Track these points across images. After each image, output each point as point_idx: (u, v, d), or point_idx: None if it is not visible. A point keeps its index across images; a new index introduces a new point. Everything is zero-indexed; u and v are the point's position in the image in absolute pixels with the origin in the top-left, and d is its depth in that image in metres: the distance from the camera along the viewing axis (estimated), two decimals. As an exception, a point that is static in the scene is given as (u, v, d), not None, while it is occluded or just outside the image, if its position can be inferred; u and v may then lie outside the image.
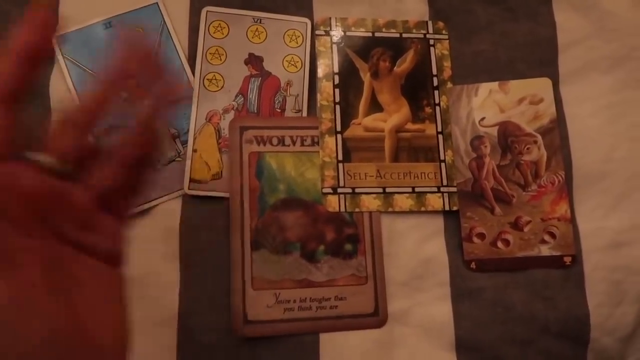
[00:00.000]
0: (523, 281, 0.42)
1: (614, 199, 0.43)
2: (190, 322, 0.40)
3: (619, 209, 0.43)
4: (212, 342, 0.40)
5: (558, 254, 0.42)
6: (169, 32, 0.44)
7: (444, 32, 0.46)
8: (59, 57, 0.43)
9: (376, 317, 0.40)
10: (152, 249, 0.41)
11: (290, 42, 0.45)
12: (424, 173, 0.43)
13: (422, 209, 0.42)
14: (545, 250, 0.42)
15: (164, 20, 0.44)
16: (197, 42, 0.43)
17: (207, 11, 0.44)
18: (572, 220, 0.42)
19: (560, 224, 0.42)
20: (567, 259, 0.42)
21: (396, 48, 0.45)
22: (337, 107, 0.43)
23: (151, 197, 0.41)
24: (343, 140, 0.43)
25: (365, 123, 0.44)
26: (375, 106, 0.44)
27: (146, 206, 0.41)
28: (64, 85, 0.42)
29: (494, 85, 0.45)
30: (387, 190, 0.42)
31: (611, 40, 0.45)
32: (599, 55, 0.45)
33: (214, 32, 0.44)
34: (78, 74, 0.43)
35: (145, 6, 0.44)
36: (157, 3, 0.44)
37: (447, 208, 0.43)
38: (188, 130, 0.42)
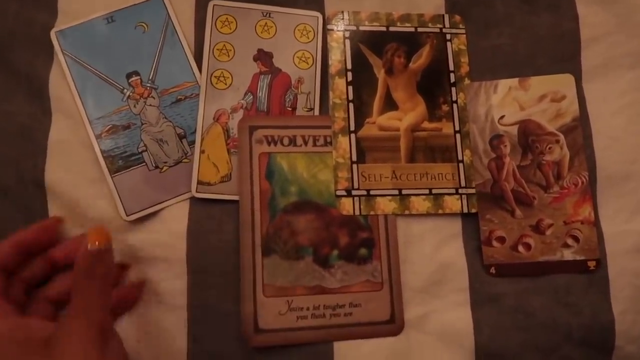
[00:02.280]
0: (545, 287, 0.40)
1: (640, 200, 0.41)
2: (200, 329, 0.38)
3: (645, 211, 0.41)
4: (223, 350, 0.38)
5: (581, 258, 0.40)
6: (174, 27, 0.42)
7: (461, 26, 0.44)
8: (59, 54, 0.41)
9: (392, 325, 0.39)
10: (159, 253, 0.39)
11: (301, 37, 0.43)
12: (441, 174, 0.41)
13: (440, 211, 0.41)
14: (568, 255, 0.40)
15: (169, 15, 0.42)
16: (204, 38, 0.41)
17: (214, 5, 0.42)
18: (596, 223, 0.41)
19: (583, 227, 0.40)
20: (591, 264, 0.40)
21: (411, 43, 0.43)
22: (351, 105, 0.42)
23: (158, 200, 0.39)
24: (357, 140, 0.41)
25: (379, 122, 0.42)
26: (390, 104, 0.42)
27: (152, 210, 0.39)
28: (64, 83, 0.41)
29: (514, 81, 0.43)
30: (403, 192, 0.41)
31: (636, 34, 0.43)
32: (623, 50, 0.43)
33: (221, 27, 0.42)
34: (79, 72, 0.41)
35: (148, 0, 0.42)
36: (161, -4, 0.42)
37: (465, 210, 0.41)
38: (195, 129, 0.40)
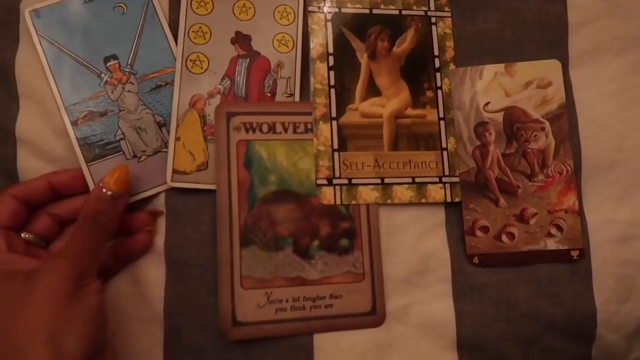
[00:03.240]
0: (528, 277, 0.40)
1: (625, 189, 0.41)
2: (177, 322, 0.37)
3: (630, 200, 0.40)
4: (201, 343, 0.37)
5: (565, 247, 0.40)
6: (154, 8, 0.40)
7: (446, 9, 0.43)
8: (33, 35, 0.38)
9: (373, 316, 0.38)
10: (135, 244, 0.38)
11: (280, 19, 0.41)
12: (425, 162, 0.40)
13: (423, 200, 0.40)
14: (551, 244, 0.40)
15: (147, -5, 0.40)
16: (179, 20, 0.40)
17: (190, -16, 0.40)
18: (580, 213, 0.40)
19: (567, 216, 0.40)
20: (575, 253, 0.40)
21: (395, 26, 0.42)
22: (332, 90, 0.40)
23: (136, 190, 0.38)
24: (338, 127, 0.40)
25: (362, 108, 0.40)
26: (372, 90, 0.41)
27: (130, 200, 0.38)
28: (32, 67, 0.38)
29: (500, 67, 0.41)
30: (386, 181, 0.40)
31: (625, 19, 0.42)
32: (612, 35, 0.42)
33: (197, 8, 0.40)
34: (54, 54, 0.38)
35: (124, -21, 0.40)
36: (136, -25, 0.40)
37: (449, 200, 0.40)
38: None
